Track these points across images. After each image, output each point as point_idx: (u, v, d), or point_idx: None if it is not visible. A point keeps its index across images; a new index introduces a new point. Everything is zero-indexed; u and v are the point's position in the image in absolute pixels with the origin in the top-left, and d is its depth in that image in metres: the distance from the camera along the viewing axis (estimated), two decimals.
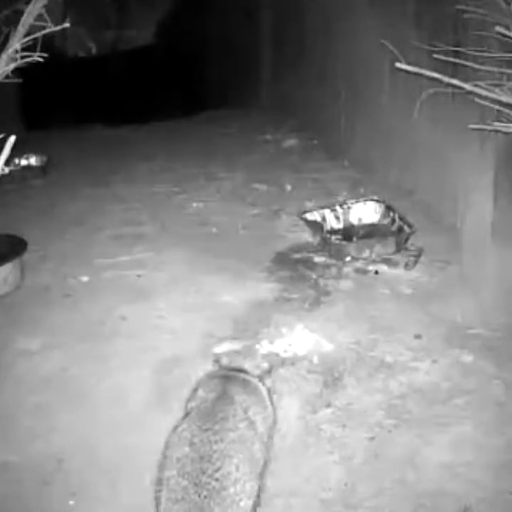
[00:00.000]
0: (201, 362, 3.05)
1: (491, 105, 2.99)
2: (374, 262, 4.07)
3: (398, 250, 4.12)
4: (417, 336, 3.36)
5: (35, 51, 2.59)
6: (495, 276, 3.51)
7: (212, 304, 3.72)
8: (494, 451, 2.68)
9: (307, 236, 4.47)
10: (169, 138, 6.82)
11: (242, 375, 2.38)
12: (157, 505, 2.06)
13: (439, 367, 3.15)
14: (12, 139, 2.07)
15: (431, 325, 3.44)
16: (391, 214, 4.41)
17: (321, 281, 3.94)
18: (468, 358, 3.18)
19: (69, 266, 4.18)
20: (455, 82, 2.91)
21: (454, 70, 3.25)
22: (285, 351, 3.28)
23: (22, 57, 2.63)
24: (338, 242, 4.31)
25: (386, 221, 4.44)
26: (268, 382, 2.44)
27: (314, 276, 4.01)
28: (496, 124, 3.00)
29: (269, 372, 2.47)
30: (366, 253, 4.11)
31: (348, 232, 4.47)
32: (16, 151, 2.27)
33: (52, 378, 3.17)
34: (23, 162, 5.95)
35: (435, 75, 2.95)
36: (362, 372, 3.13)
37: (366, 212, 4.55)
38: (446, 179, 4.26)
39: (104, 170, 5.88)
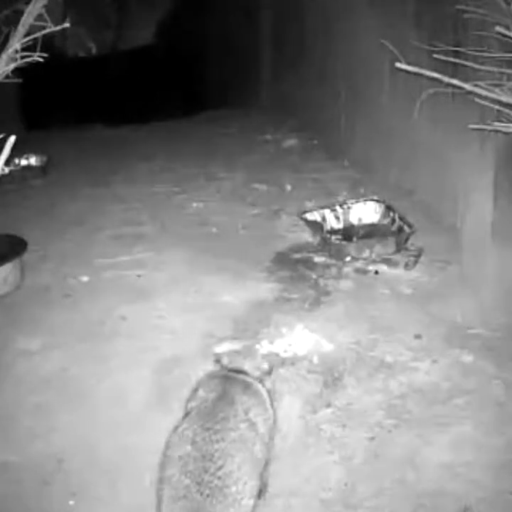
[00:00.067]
0: (201, 362, 3.05)
1: (491, 105, 2.99)
2: (374, 262, 4.07)
3: (398, 250, 4.12)
4: (417, 336, 3.36)
5: (35, 51, 2.59)
6: (495, 276, 3.51)
7: (212, 303, 3.72)
8: (494, 451, 2.68)
9: (307, 236, 4.47)
10: (169, 138, 6.82)
11: (242, 376, 2.39)
12: (159, 503, 2.06)
13: (439, 367, 3.15)
14: (12, 139, 2.07)
15: (431, 325, 3.44)
16: (391, 214, 4.41)
17: (321, 281, 3.94)
18: (468, 358, 3.18)
19: (69, 266, 4.18)
20: (455, 82, 2.91)
21: (454, 70, 3.25)
22: (285, 351, 3.28)
23: (22, 57, 2.63)
24: (338, 242, 4.31)
25: (386, 221, 4.44)
26: (268, 382, 2.44)
27: (314, 276, 4.01)
28: (496, 124, 3.00)
29: (269, 372, 2.47)
30: (366, 253, 4.11)
31: (348, 232, 4.47)
32: (16, 151, 2.27)
33: (52, 378, 3.17)
34: (23, 162, 5.95)
35: (435, 75, 2.95)
36: (362, 372, 3.13)
37: (366, 212, 4.55)
38: (446, 179, 4.26)
39: (104, 170, 5.88)
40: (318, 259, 4.20)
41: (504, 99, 2.90)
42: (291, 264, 4.18)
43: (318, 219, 4.51)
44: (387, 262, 4.06)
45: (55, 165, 5.91)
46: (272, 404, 2.37)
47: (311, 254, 4.26)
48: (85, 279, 4.04)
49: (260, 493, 2.24)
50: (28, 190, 5.44)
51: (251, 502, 2.08)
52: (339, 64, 5.80)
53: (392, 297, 3.74)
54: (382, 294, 3.78)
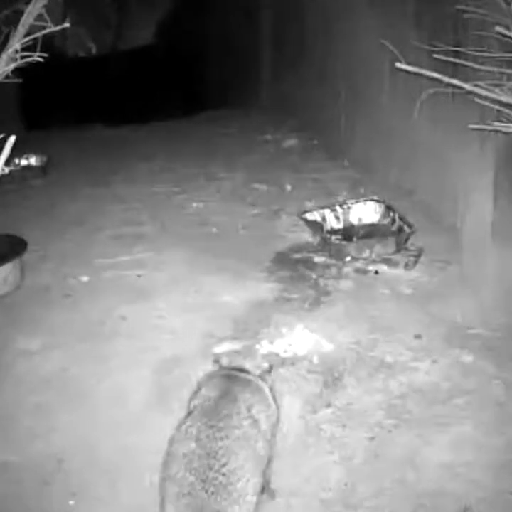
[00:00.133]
0: (201, 362, 3.05)
1: (491, 105, 2.99)
2: (374, 262, 4.07)
3: (398, 250, 4.13)
4: (417, 336, 3.36)
5: (35, 51, 2.59)
6: (495, 276, 3.51)
7: (212, 303, 3.72)
8: (494, 451, 2.68)
9: (307, 236, 4.47)
10: (169, 138, 6.82)
11: (243, 374, 2.39)
12: (163, 500, 2.07)
13: (439, 367, 3.15)
14: (12, 139, 2.07)
15: (431, 325, 3.44)
16: (391, 214, 4.41)
17: (321, 281, 3.94)
18: (468, 358, 3.18)
19: (69, 266, 4.18)
20: (455, 82, 2.91)
21: (454, 70, 3.25)
22: (285, 351, 3.28)
23: (22, 57, 2.62)
24: (338, 242, 4.31)
25: (386, 221, 4.44)
26: (268, 381, 2.45)
27: (314, 276, 4.01)
28: (496, 124, 3.00)
29: (269, 371, 2.47)
30: (366, 253, 4.11)
31: (348, 232, 4.47)
32: (16, 151, 2.27)
33: (52, 378, 3.17)
34: (23, 162, 5.95)
35: (435, 75, 2.95)
36: (362, 372, 3.13)
37: (366, 212, 4.55)
38: (446, 179, 4.26)
39: (104, 170, 5.88)
40: (318, 259, 4.20)
41: (504, 99, 2.89)
42: (291, 264, 4.18)
43: (318, 219, 4.51)
44: (387, 262, 4.06)
45: (55, 165, 5.91)
46: (274, 401, 2.38)
47: (311, 254, 4.26)
48: (85, 279, 4.04)
49: (263, 490, 2.25)
50: (28, 190, 5.44)
51: (254, 499, 2.10)
52: (339, 64, 5.80)
53: (392, 297, 3.74)
54: (382, 294, 3.78)
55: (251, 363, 2.51)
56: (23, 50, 2.62)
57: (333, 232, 4.48)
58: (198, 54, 10.30)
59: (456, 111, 3.81)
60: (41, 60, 2.58)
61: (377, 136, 5.19)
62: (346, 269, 4.04)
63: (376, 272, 3.99)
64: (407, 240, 4.18)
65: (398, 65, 2.95)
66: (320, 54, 6.21)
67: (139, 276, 4.05)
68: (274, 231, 4.64)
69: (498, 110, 3.02)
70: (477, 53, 3.21)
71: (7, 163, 2.21)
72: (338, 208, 4.58)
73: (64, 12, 8.83)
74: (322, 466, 2.65)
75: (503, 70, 3.09)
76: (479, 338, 3.32)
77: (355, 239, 4.37)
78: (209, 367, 2.55)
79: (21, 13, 2.66)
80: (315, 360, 3.21)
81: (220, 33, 9.40)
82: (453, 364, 3.16)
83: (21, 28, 2.62)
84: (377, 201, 4.55)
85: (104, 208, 5.04)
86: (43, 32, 2.63)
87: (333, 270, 4.05)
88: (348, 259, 4.12)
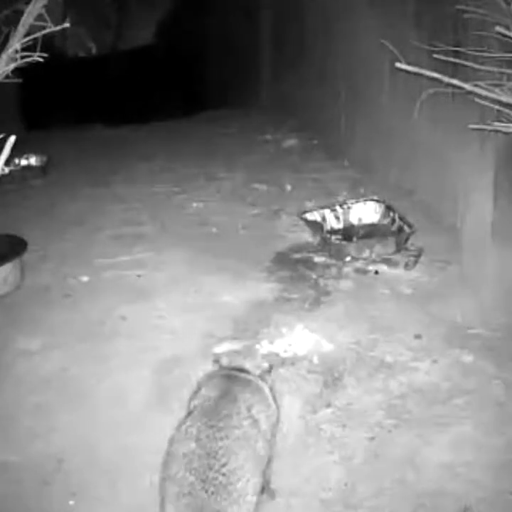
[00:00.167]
0: (201, 362, 3.05)
1: (491, 105, 2.99)
2: (374, 262, 4.07)
3: (398, 250, 4.12)
4: (417, 336, 3.36)
5: (35, 51, 2.59)
6: (495, 276, 3.51)
7: (212, 303, 3.72)
8: (494, 451, 2.68)
9: (307, 236, 4.47)
10: (169, 138, 6.82)
11: (243, 374, 2.39)
12: (163, 499, 2.07)
13: (439, 367, 3.15)
14: (12, 139, 2.07)
15: (431, 325, 3.44)
16: (391, 214, 4.41)
17: (321, 281, 3.94)
18: (468, 358, 3.18)
19: (69, 266, 4.18)
20: (455, 82, 2.91)
21: (454, 70, 3.25)
22: (285, 351, 3.28)
23: (22, 57, 2.62)
24: (338, 242, 4.31)
25: (386, 221, 4.44)
26: (268, 381, 2.45)
27: (314, 276, 4.01)
28: (496, 124, 3.00)
29: (269, 371, 2.47)
30: (366, 253, 4.11)
31: (348, 232, 4.47)
32: (16, 151, 2.27)
33: (52, 378, 3.17)
34: (23, 162, 5.95)
35: (435, 75, 2.95)
36: (362, 372, 3.13)
37: (366, 212, 4.55)
38: (446, 179, 4.26)
39: (104, 170, 5.88)
40: (318, 259, 4.20)
41: (504, 99, 2.89)
42: (291, 264, 4.18)
43: (318, 219, 4.51)
44: (387, 262, 4.06)
45: (55, 165, 5.91)
46: (274, 401, 2.38)
47: (311, 254, 4.26)
48: (85, 279, 4.04)
49: (263, 490, 2.25)
50: (28, 190, 5.44)
51: (254, 499, 2.10)
52: (339, 64, 5.80)
53: (392, 297, 3.74)
54: (382, 294, 3.78)
55: (251, 363, 2.51)
56: (23, 50, 2.62)
57: (333, 232, 4.48)
58: (198, 54, 10.30)
59: (456, 111, 3.81)
60: (41, 60, 2.58)
61: (377, 136, 5.19)
62: (346, 269, 4.04)
63: (376, 272, 3.99)
64: (407, 239, 4.18)
65: (398, 65, 2.95)
66: (320, 54, 6.21)
67: (139, 276, 4.05)
68: (274, 231, 4.64)
69: (498, 110, 3.02)
70: (477, 53, 3.21)
71: (7, 163, 2.21)
72: (338, 207, 4.58)
73: (64, 12, 8.82)
74: (322, 466, 2.65)
75: (503, 70, 3.09)
76: (479, 338, 3.32)
77: (355, 239, 4.37)
78: (209, 367, 2.55)
79: (21, 13, 2.66)
80: (315, 360, 3.21)
81: (220, 33, 9.40)
82: (453, 364, 3.16)
83: (21, 28, 2.62)
84: (377, 201, 4.55)
85: (104, 208, 5.04)
86: (43, 32, 2.63)
87: (333, 270, 4.05)
88: (348, 259, 4.12)
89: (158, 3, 12.15)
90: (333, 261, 4.14)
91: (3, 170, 2.20)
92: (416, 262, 4.03)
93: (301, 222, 4.52)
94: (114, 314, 3.64)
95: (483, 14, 3.14)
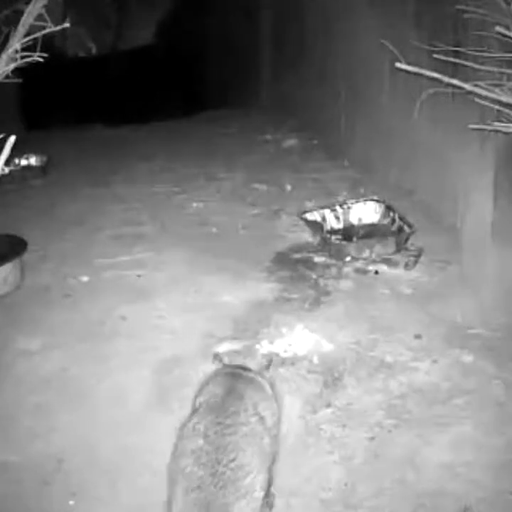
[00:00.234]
0: (201, 362, 3.06)
1: (491, 105, 2.99)
2: (374, 262, 4.07)
3: (398, 250, 4.13)
4: (417, 336, 3.36)
5: (35, 51, 2.59)
6: (495, 276, 3.51)
7: (212, 303, 3.72)
8: (494, 451, 2.68)
9: (307, 236, 4.47)
10: (169, 138, 6.82)
11: (247, 372, 2.40)
12: (171, 493, 2.07)
13: (439, 367, 3.15)
14: (12, 139, 2.06)
15: (431, 325, 3.44)
16: (391, 214, 4.41)
17: (321, 281, 3.94)
18: (468, 358, 3.18)
19: (69, 266, 4.18)
20: (455, 82, 2.91)
21: (454, 70, 3.25)
22: (285, 351, 3.28)
23: (22, 57, 2.62)
24: (338, 242, 4.31)
25: (386, 221, 4.44)
26: (267, 376, 2.45)
27: (314, 276, 4.01)
28: (496, 124, 3.00)
29: (267, 366, 2.48)
30: (366, 253, 4.11)
31: (348, 232, 4.47)
32: (16, 151, 2.27)
33: (52, 378, 3.17)
34: (23, 162, 5.95)
35: (435, 75, 2.95)
36: (362, 372, 3.13)
37: (366, 212, 4.55)
38: (446, 179, 4.26)
39: (104, 170, 5.88)
40: (318, 259, 4.20)
41: (504, 99, 2.89)
42: (291, 264, 4.18)
43: (318, 219, 4.51)
44: (387, 262, 4.06)
45: (55, 165, 5.91)
46: (276, 399, 2.39)
47: (311, 254, 4.26)
48: (85, 279, 4.04)
49: (268, 487, 2.26)
50: (28, 190, 5.44)
51: (261, 494, 2.11)
52: (339, 64, 5.80)
53: (392, 297, 3.74)
54: (382, 294, 3.78)
55: (251, 363, 2.51)
56: (23, 50, 2.62)
57: (333, 232, 4.48)
58: (198, 54, 10.30)
59: (456, 111, 3.81)
60: (41, 60, 2.58)
61: (377, 136, 5.19)
62: (346, 269, 4.04)
63: (376, 272, 3.99)
64: (407, 239, 4.18)
65: (398, 65, 2.95)
66: (320, 54, 6.21)
67: (139, 276, 4.05)
68: (274, 231, 4.64)
69: (498, 110, 3.02)
70: (477, 53, 3.21)
71: (7, 163, 2.20)
72: (338, 207, 4.58)
73: (64, 12, 8.83)
74: (322, 466, 2.65)
75: (503, 70, 3.09)
76: (479, 338, 3.32)
77: (355, 239, 4.37)
78: (209, 367, 2.55)
79: (21, 13, 2.66)
80: (315, 360, 3.21)
81: (220, 33, 9.40)
82: (453, 364, 3.16)
83: (21, 28, 2.62)
84: (377, 201, 4.55)
85: (104, 208, 5.04)
86: (43, 32, 2.63)
87: (333, 270, 4.05)
88: (348, 259, 4.12)
89: (158, 3, 12.16)
90: (333, 261, 4.14)
91: (3, 170, 2.20)
92: (416, 262, 4.03)
93: (301, 222, 4.52)
94: (114, 314, 3.64)
95: (483, 14, 3.14)
